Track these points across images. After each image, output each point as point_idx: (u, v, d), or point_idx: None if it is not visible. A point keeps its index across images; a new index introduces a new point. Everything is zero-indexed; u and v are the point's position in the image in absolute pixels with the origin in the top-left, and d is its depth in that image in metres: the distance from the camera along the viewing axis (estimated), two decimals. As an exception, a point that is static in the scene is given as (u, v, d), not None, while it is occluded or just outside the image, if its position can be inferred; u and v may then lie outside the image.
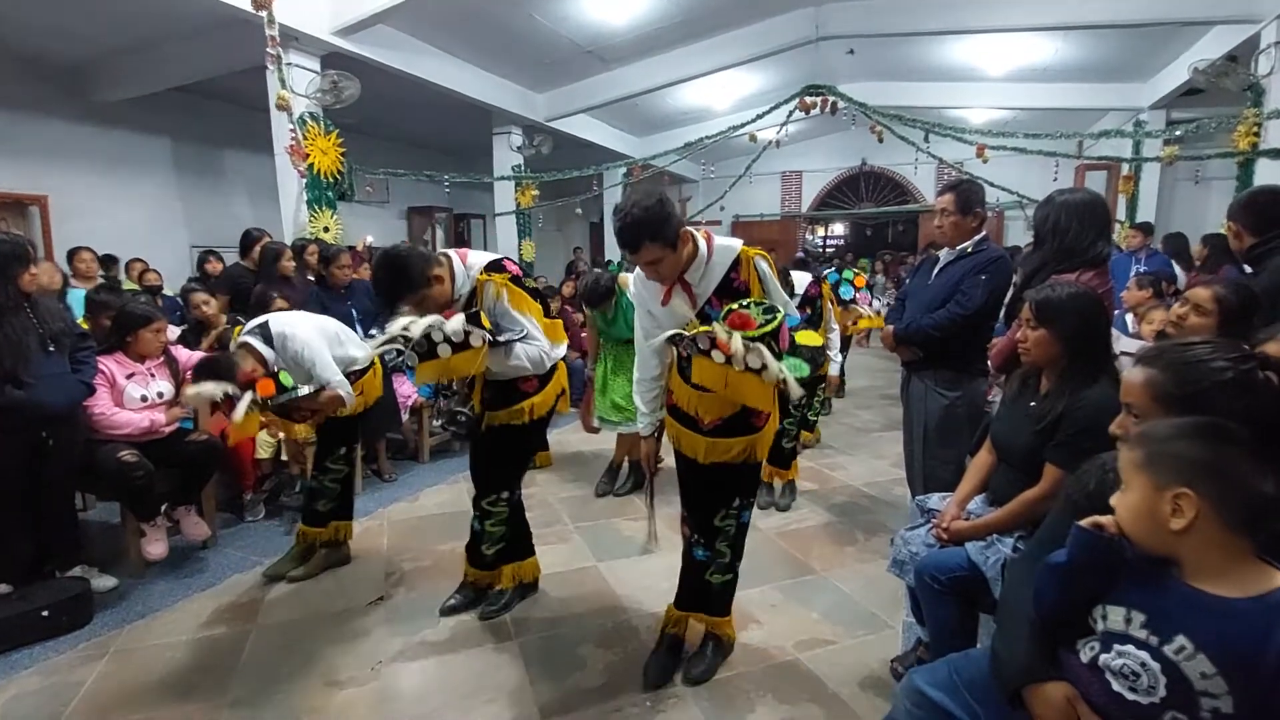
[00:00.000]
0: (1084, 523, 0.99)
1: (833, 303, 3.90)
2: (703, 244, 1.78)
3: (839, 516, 3.26)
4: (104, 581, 2.55)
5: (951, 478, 2.10)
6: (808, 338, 2.75)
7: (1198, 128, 5.32)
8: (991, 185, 6.33)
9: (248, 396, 2.22)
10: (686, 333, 1.67)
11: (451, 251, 2.13)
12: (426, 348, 1.92)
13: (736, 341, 1.54)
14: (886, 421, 5.01)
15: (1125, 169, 7.65)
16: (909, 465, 2.64)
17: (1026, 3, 5.63)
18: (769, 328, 1.59)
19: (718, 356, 1.56)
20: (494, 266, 2.12)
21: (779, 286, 1.85)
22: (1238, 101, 5.28)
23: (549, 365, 2.17)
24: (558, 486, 3.72)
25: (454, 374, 2.00)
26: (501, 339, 2.00)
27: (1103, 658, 0.97)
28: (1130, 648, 0.94)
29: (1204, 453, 0.91)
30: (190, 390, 2.24)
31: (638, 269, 1.91)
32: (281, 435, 3.21)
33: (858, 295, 4.25)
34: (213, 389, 2.22)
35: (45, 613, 2.26)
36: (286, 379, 2.35)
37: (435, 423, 4.18)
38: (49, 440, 2.39)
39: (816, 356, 1.66)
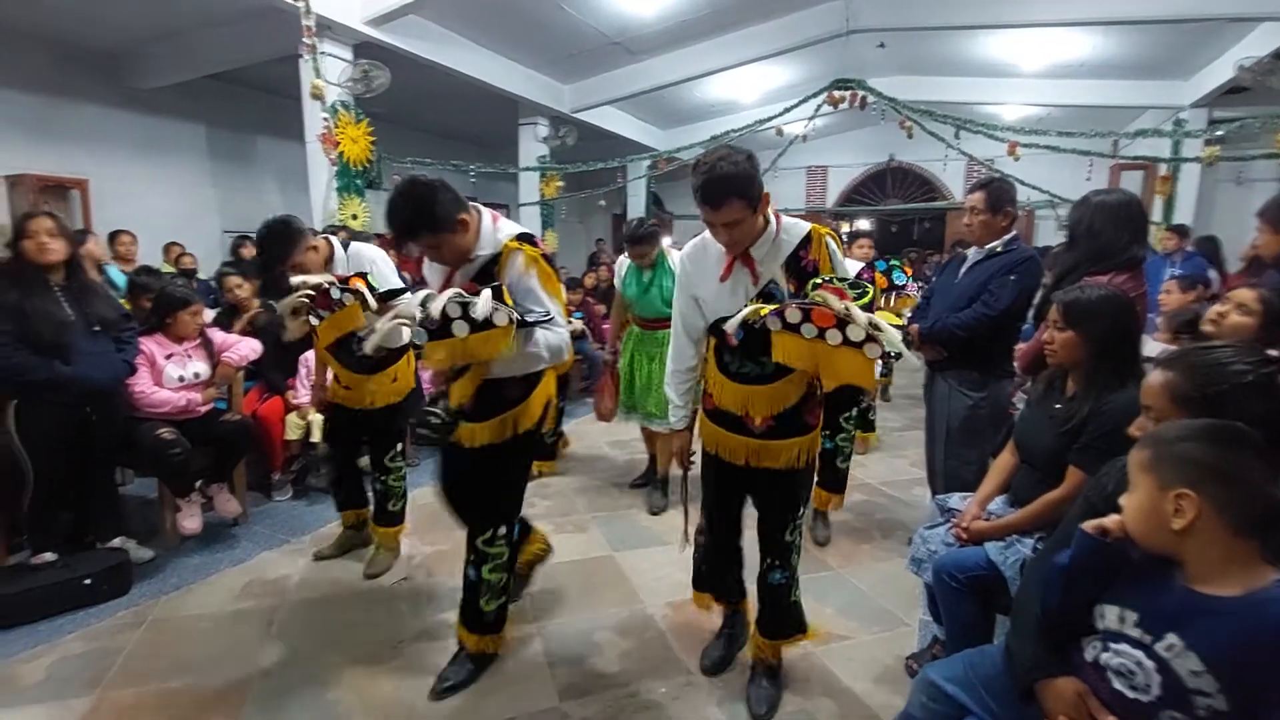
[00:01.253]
0: (1087, 525, 1.01)
1: (883, 290, 3.89)
2: (772, 218, 1.69)
3: (857, 515, 3.26)
4: (142, 553, 2.65)
5: (973, 478, 2.10)
6: (886, 317, 2.63)
7: (1241, 127, 5.17)
8: (1023, 184, 6.22)
9: (361, 287, 2.11)
10: (763, 309, 1.52)
11: (484, 208, 1.90)
12: (439, 324, 1.64)
13: (856, 311, 1.41)
14: (906, 421, 4.98)
15: (1163, 169, 7.46)
16: (930, 464, 2.63)
17: (1064, -3, 5.51)
18: (863, 301, 1.49)
19: (808, 331, 1.44)
20: (526, 238, 1.87)
21: (847, 270, 1.74)
22: (1284, 101, 5.13)
23: (565, 358, 1.93)
24: (574, 477, 3.76)
25: (470, 357, 1.71)
26: (530, 319, 1.74)
27: (1102, 656, 1.00)
28: (1125, 646, 0.97)
29: (1209, 455, 0.92)
30: (297, 279, 2.13)
31: (688, 245, 1.84)
32: (312, 416, 3.29)
33: (909, 284, 4.42)
34: (319, 277, 2.12)
35: (87, 581, 2.36)
36: (373, 280, 2.23)
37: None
38: (92, 415, 2.49)
39: (903, 336, 1.54)
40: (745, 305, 1.61)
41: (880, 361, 1.47)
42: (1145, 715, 0.94)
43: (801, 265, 1.68)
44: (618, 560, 2.78)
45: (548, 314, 1.80)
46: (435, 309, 1.63)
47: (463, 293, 1.67)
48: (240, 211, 7.28)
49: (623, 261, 3.36)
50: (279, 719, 1.83)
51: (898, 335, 1.42)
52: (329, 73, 4.87)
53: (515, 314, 1.66)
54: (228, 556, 2.77)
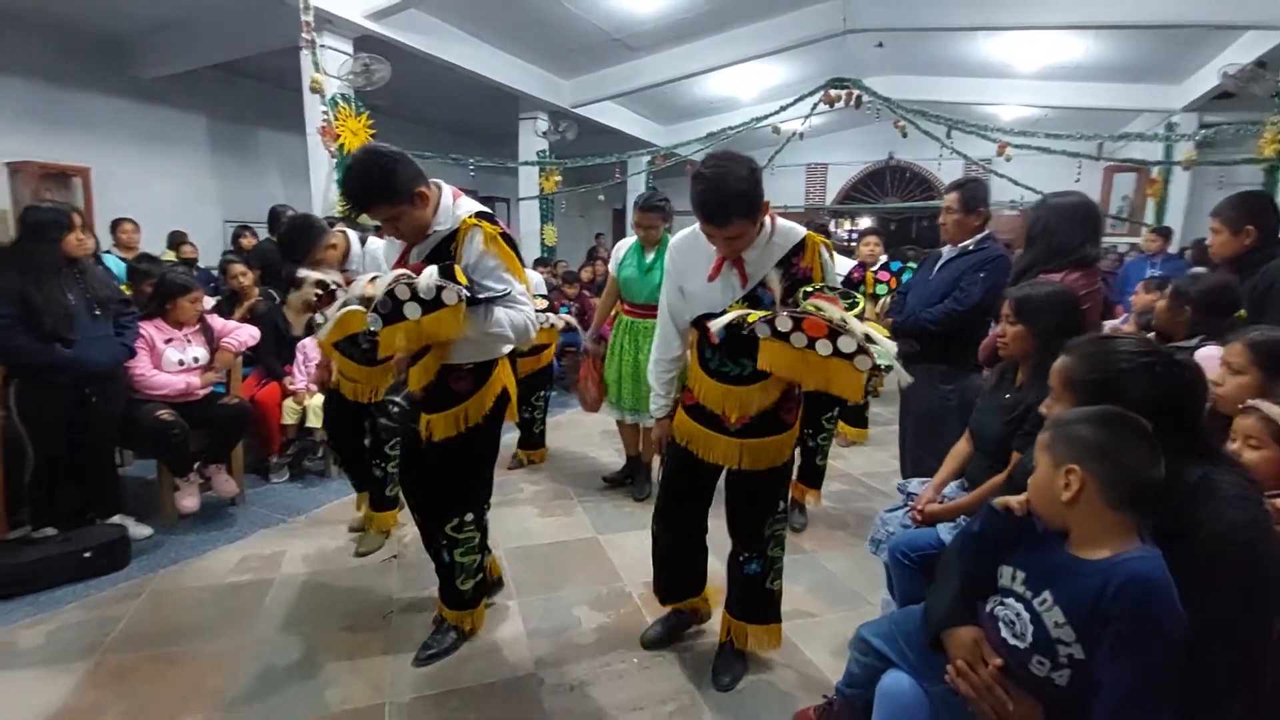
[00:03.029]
0: (994, 502, 1.15)
1: (868, 296, 3.89)
2: (767, 220, 1.64)
3: (835, 503, 3.37)
4: (141, 530, 2.75)
5: (938, 466, 2.19)
6: (877, 328, 2.63)
7: (1216, 133, 5.26)
8: (1016, 184, 6.28)
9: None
10: (751, 315, 1.53)
11: (445, 185, 1.86)
12: (391, 307, 1.62)
13: (854, 321, 1.43)
14: (892, 415, 5.05)
15: (1153, 172, 7.54)
16: (901, 453, 2.74)
17: (1058, 0, 5.57)
18: (855, 312, 1.51)
19: (798, 340, 1.45)
20: (485, 216, 1.82)
21: (838, 279, 1.75)
22: (1270, 107, 5.20)
23: (532, 336, 1.88)
24: (566, 462, 3.87)
25: (427, 339, 1.68)
26: (481, 296, 1.70)
27: (996, 609, 1.13)
28: (1012, 600, 1.11)
29: (1094, 435, 1.04)
30: (301, 271, 2.23)
31: (678, 235, 1.81)
32: (309, 402, 3.39)
33: None
34: (327, 275, 2.16)
35: (87, 554, 2.46)
36: None
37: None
38: (92, 397, 2.58)
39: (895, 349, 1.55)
40: (731, 305, 1.62)
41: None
42: (1021, 660, 1.08)
43: (793, 271, 1.66)
44: (601, 542, 2.87)
45: (506, 290, 1.74)
46: (380, 289, 1.60)
47: (410, 274, 1.64)
48: (241, 202, 7.37)
49: (623, 244, 3.26)
50: (272, 680, 1.94)
51: (893, 347, 1.45)
52: (329, 66, 4.94)
53: (465, 291, 1.63)
54: (225, 534, 2.87)
